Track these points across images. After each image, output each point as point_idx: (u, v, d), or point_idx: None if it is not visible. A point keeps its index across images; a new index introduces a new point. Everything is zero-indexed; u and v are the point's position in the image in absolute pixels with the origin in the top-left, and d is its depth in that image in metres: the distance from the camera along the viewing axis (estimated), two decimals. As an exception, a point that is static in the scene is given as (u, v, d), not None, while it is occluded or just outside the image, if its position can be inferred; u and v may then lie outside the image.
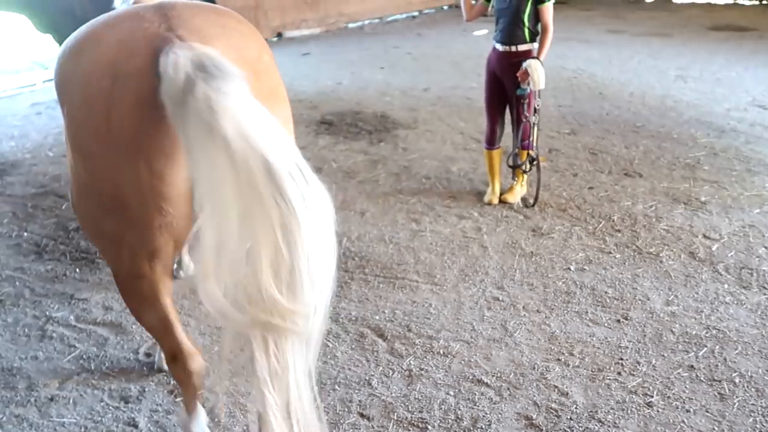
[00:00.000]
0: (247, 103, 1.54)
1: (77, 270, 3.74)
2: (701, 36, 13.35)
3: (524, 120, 4.34)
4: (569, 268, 3.70)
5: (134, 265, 1.90)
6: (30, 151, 5.92)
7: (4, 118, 7.09)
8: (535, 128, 4.40)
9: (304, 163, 1.58)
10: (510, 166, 4.62)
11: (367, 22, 16.86)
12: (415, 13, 18.87)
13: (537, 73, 4.06)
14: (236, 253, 1.47)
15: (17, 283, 3.62)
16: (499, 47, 4.31)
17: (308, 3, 14.50)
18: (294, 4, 14.02)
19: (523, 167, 4.49)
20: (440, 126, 6.62)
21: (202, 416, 2.37)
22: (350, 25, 16.13)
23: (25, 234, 4.21)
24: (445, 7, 20.94)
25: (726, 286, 3.52)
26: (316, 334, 1.56)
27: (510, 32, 4.22)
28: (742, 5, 20.67)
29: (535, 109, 4.30)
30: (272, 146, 1.48)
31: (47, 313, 3.34)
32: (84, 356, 3.05)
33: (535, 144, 4.45)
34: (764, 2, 20.84)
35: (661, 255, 3.84)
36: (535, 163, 4.47)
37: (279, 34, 13.62)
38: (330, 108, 7.41)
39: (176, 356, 2.11)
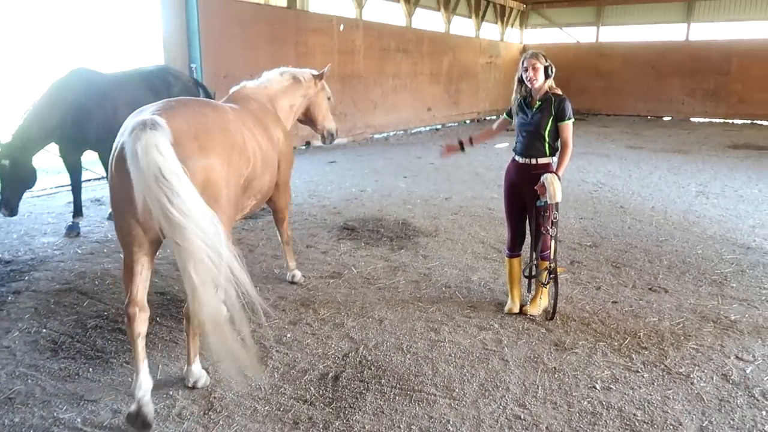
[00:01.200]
0: (154, 142, 2.86)
1: (90, 369, 3.70)
2: (720, 153, 13.57)
3: (543, 232, 4.35)
4: (595, 387, 3.54)
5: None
6: (60, 248, 6.07)
7: (41, 216, 7.36)
8: (554, 240, 4.40)
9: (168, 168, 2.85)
10: (526, 277, 4.58)
11: (392, 133, 17.60)
12: (438, 126, 19.69)
13: (553, 186, 4.14)
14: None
15: (29, 380, 3.58)
16: (519, 159, 4.43)
17: (337, 114, 15.25)
18: (323, 115, 14.74)
19: (541, 279, 4.44)
20: (461, 235, 6.67)
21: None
22: (376, 136, 16.84)
23: (44, 330, 4.22)
24: (467, 121, 21.86)
25: (764, 413, 3.31)
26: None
27: (530, 146, 4.35)
28: (760, 125, 21.17)
29: (553, 222, 4.33)
30: (149, 161, 2.82)
31: (55, 414, 3.26)
32: (86, 463, 2.92)
33: (553, 256, 4.43)
34: (781, 123, 21.29)
35: (691, 376, 3.66)
36: (552, 276, 4.42)
37: (307, 143, 14.24)
38: (353, 214, 7.56)
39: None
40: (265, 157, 4.04)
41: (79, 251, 5.97)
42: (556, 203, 4.26)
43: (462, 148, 4.81)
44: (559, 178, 4.21)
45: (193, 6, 10.97)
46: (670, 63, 22.75)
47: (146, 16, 11.32)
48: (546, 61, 4.25)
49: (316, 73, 5.25)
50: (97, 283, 5.13)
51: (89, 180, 9.49)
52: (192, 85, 7.48)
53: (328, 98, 5.53)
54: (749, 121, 21.76)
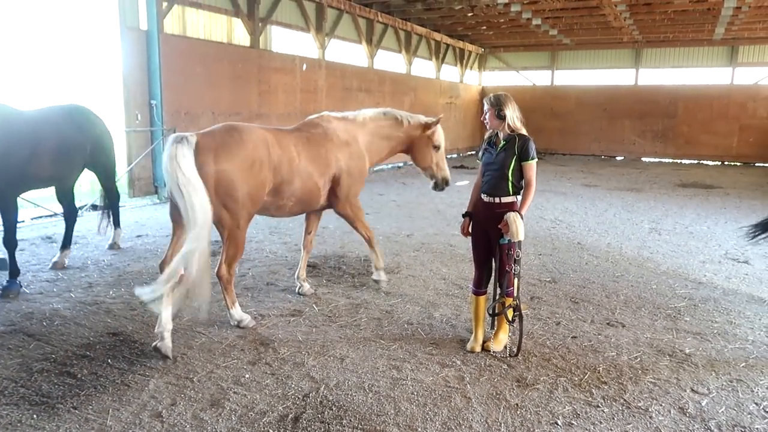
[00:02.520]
0: (175, 153, 4.27)
1: (35, 416, 3.49)
2: (670, 192, 14.12)
3: (507, 270, 4.39)
4: (557, 423, 3.54)
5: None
6: (6, 288, 5.80)
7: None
8: (516, 278, 4.45)
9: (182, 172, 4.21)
10: (491, 315, 4.60)
11: (354, 170, 17.67)
12: (401, 164, 19.91)
13: (516, 225, 4.22)
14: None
15: (-34, 429, 3.35)
16: (485, 198, 4.48)
17: (299, 152, 15.27)
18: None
19: (507, 316, 4.45)
20: (423, 271, 6.68)
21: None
22: (338, 173, 16.88)
23: (-15, 375, 3.99)
24: (429, 160, 22.18)
25: (720, 445, 3.36)
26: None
27: (495, 185, 4.41)
28: (706, 164, 22.21)
29: (516, 260, 4.38)
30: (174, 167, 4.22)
31: (-7, 465, 3.06)
32: None
33: (516, 293, 4.47)
34: (725, 163, 22.39)
35: (650, 410, 3.70)
36: (517, 313, 4.45)
37: (269, 180, 14.18)
38: (314, 251, 7.50)
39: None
40: (296, 169, 5.04)
41: (27, 291, 5.71)
42: (519, 241, 4.32)
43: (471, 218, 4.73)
44: (522, 217, 4.29)
45: (154, 43, 10.94)
46: (621, 106, 23.83)
47: (106, 53, 11.24)
48: (496, 104, 4.37)
49: (425, 120, 5.87)
50: (45, 324, 4.91)
51: (40, 217, 9.19)
52: (101, 124, 6.90)
53: (435, 146, 5.88)
54: (696, 161, 22.81)
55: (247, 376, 4.05)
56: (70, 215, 6.82)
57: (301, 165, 5.11)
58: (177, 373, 4.06)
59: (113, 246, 7.44)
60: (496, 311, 4.52)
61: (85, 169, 6.84)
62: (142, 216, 9.79)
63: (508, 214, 4.27)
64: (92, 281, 6.08)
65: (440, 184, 6.01)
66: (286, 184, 5.00)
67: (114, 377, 4.00)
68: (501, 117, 4.36)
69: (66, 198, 6.81)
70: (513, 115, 4.37)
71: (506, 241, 4.32)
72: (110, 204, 7.44)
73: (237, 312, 4.93)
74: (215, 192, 4.45)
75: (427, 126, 5.82)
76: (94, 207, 10.30)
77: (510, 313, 4.43)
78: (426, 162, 5.95)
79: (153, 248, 7.54)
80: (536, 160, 4.40)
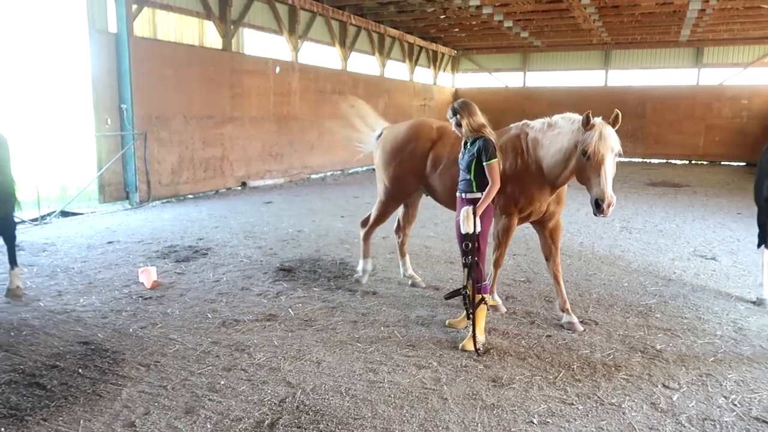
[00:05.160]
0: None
1: (2, 429, 3.40)
2: (640, 191, 14.38)
3: (465, 261, 4.57)
4: (532, 421, 3.57)
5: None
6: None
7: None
8: (467, 269, 4.57)
9: None
10: (446, 298, 4.89)
11: (329, 173, 17.65)
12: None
13: (465, 218, 4.48)
14: None
15: (-70, 445, 3.26)
16: (457, 194, 4.79)
17: (273, 155, 15.20)
18: (259, 155, 14.67)
19: (467, 307, 4.58)
20: (398, 273, 6.69)
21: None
22: (313, 176, 16.84)
23: (-50, 388, 3.87)
24: (404, 161, 22.25)
25: (691, 438, 3.43)
26: None
27: (465, 183, 4.70)
28: (674, 164, 22.70)
29: (465, 251, 4.55)
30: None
31: (-41, 481, 2.97)
32: None
33: (465, 283, 4.61)
34: (693, 162, 22.93)
35: (623, 406, 3.76)
36: (476, 303, 4.56)
37: (243, 184, 14.05)
38: (289, 255, 7.46)
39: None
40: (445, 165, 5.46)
41: (-6, 301, 5.56)
42: (470, 234, 4.49)
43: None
44: (475, 213, 4.47)
45: (124, 46, 10.77)
46: (591, 106, 23.33)
47: (75, 56, 11.02)
48: (452, 115, 4.68)
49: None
50: (12, 334, 4.79)
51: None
52: None
53: (584, 152, 4.50)
54: (665, 161, 23.30)
55: (222, 382, 4.00)
56: (4, 230, 5.81)
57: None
58: (150, 382, 4.00)
59: (10, 293, 5.69)
60: (448, 296, 4.82)
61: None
62: (113, 222, 9.62)
63: (464, 208, 4.53)
64: (61, 289, 5.95)
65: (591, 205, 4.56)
66: (430, 177, 5.77)
67: (85, 387, 3.91)
68: (459, 125, 4.67)
69: None
70: (469, 120, 4.61)
71: (464, 233, 4.54)
72: (5, 236, 5.83)
73: None
74: None
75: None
76: (64, 214, 10.11)
77: (468, 304, 4.57)
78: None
79: (124, 255, 7.41)
80: (496, 159, 4.55)
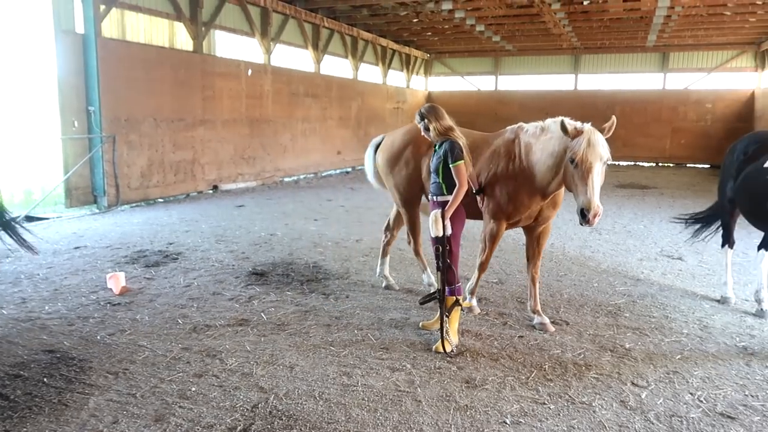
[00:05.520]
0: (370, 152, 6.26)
1: (-38, 441, 3.30)
2: (609, 192, 14.63)
3: (439, 264, 4.59)
4: (505, 422, 3.60)
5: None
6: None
7: None
8: (439, 272, 4.61)
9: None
10: (420, 303, 4.88)
11: (302, 176, 17.56)
12: (348, 169, 19.90)
13: (433, 221, 4.52)
14: None
15: None
16: (429, 197, 4.86)
17: (245, 158, 15.06)
18: (231, 158, 14.52)
19: (441, 309, 4.60)
20: (372, 276, 6.68)
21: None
22: (286, 179, 16.73)
23: None
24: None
25: (659, 435, 3.50)
26: None
27: (435, 186, 4.74)
28: (642, 166, 23.18)
29: (436, 254, 4.58)
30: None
31: None
32: None
33: (441, 286, 4.63)
34: (659, 164, 23.46)
35: (593, 404, 3.82)
36: (447, 305, 4.60)
37: (215, 187, 13.88)
38: (262, 259, 7.40)
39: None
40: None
41: (-46, 309, 5.39)
42: (448, 237, 4.54)
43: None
44: (443, 216, 4.51)
45: (91, 47, 10.56)
46: (562, 110, 23.84)
47: (40, 57, 10.77)
48: (420, 120, 4.75)
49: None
50: (-26, 343, 4.64)
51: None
52: None
53: (571, 160, 4.39)
54: (633, 163, 23.77)
55: (193, 389, 3.94)
56: None
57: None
58: (119, 390, 3.91)
59: None
60: (422, 300, 4.83)
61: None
62: (80, 227, 9.40)
63: (433, 211, 4.59)
64: (26, 296, 5.80)
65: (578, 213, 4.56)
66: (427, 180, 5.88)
67: (50, 397, 3.81)
68: (427, 129, 4.73)
69: None
70: (437, 124, 4.67)
71: (434, 237, 4.58)
72: None
73: None
74: None
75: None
76: (29, 219, 9.85)
77: (442, 305, 4.60)
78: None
79: (92, 260, 7.25)
80: (462, 161, 4.57)
